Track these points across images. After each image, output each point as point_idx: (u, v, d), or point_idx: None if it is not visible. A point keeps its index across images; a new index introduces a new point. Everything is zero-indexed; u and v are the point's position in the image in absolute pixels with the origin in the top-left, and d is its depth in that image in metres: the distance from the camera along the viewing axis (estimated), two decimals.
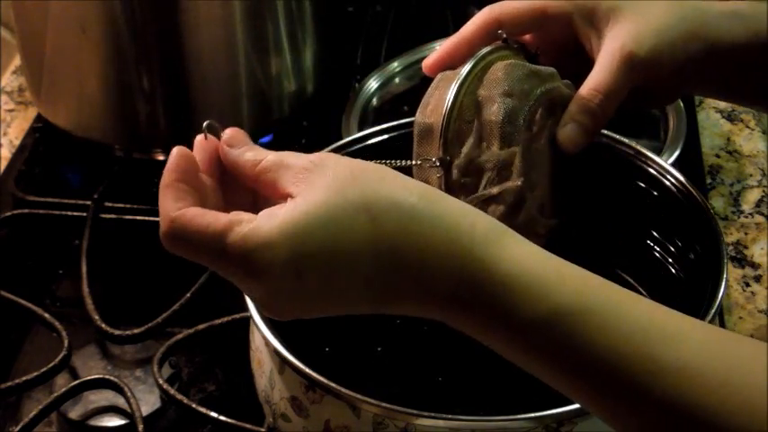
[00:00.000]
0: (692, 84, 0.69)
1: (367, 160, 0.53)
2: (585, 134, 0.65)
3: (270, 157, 0.53)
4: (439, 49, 0.68)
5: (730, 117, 1.04)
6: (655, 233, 0.73)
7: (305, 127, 1.02)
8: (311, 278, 0.49)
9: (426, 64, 0.68)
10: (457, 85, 0.63)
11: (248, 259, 0.49)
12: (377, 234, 0.49)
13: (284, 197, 0.51)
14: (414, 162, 0.64)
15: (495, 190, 0.62)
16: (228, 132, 0.55)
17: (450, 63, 0.67)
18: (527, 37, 0.69)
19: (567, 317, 0.48)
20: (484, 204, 0.62)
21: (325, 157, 0.52)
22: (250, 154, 0.54)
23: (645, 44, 0.64)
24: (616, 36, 0.65)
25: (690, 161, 0.94)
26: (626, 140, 0.73)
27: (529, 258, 0.50)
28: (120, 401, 0.77)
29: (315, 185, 0.50)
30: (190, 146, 0.55)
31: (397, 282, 0.50)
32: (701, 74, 0.67)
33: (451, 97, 0.63)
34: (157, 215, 0.53)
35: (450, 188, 0.62)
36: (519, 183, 0.62)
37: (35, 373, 0.78)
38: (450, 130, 0.62)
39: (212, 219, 0.50)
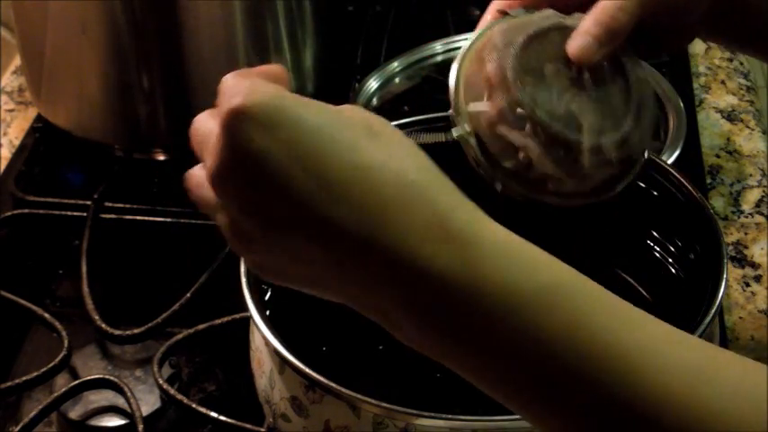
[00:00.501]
0: (705, 24, 0.69)
1: None
2: (597, 44, 0.63)
3: None
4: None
5: (730, 117, 1.04)
6: (655, 233, 0.73)
7: None
8: (282, 139, 0.45)
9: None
10: (459, 59, 0.65)
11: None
12: (371, 145, 0.46)
13: None
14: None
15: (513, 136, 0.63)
16: None
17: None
18: None
19: (559, 290, 0.46)
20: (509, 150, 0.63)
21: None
22: None
23: None
24: None
25: (690, 161, 0.94)
26: None
27: (512, 236, 0.47)
28: (120, 401, 0.77)
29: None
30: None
31: (367, 203, 0.45)
32: (714, 16, 0.68)
33: (455, 72, 0.65)
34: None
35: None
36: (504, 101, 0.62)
37: (35, 373, 0.78)
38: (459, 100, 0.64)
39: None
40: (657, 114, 0.64)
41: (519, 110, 0.62)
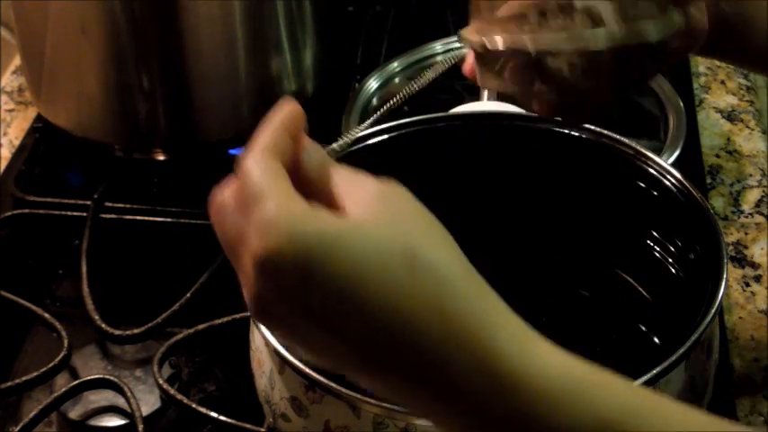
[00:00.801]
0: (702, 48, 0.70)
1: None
2: None
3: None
4: None
5: (730, 117, 1.04)
6: (655, 233, 0.73)
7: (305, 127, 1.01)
8: (316, 289, 0.44)
9: None
10: None
11: (274, 230, 0.45)
12: (409, 283, 0.45)
13: (333, 204, 0.48)
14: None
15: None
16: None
17: None
18: None
19: (624, 420, 0.44)
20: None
21: (394, 189, 0.49)
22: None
23: None
24: None
25: (690, 161, 0.94)
26: (626, 140, 0.73)
27: (566, 363, 0.46)
28: (120, 401, 0.77)
29: (368, 210, 0.47)
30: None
31: (405, 343, 0.45)
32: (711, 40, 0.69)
33: None
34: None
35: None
36: None
37: (35, 373, 0.78)
38: None
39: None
40: None
41: None
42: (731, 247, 0.90)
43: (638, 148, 0.73)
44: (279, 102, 0.51)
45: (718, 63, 1.11)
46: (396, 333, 0.44)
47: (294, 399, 0.61)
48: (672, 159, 0.90)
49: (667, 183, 0.71)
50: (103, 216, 0.92)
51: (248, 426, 0.72)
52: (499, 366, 0.44)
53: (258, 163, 0.48)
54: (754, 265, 0.88)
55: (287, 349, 0.60)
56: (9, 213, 0.93)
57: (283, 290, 0.45)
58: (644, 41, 0.64)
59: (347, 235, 0.45)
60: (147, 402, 0.77)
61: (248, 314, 0.64)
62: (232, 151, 0.99)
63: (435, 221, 0.48)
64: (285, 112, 0.51)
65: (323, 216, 0.46)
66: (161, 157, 0.98)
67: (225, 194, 0.49)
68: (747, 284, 0.87)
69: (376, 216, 0.46)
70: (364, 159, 0.75)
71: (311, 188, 0.49)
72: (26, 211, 0.93)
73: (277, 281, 0.45)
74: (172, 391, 0.75)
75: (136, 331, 0.81)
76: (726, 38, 0.70)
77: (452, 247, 0.47)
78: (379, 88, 1.02)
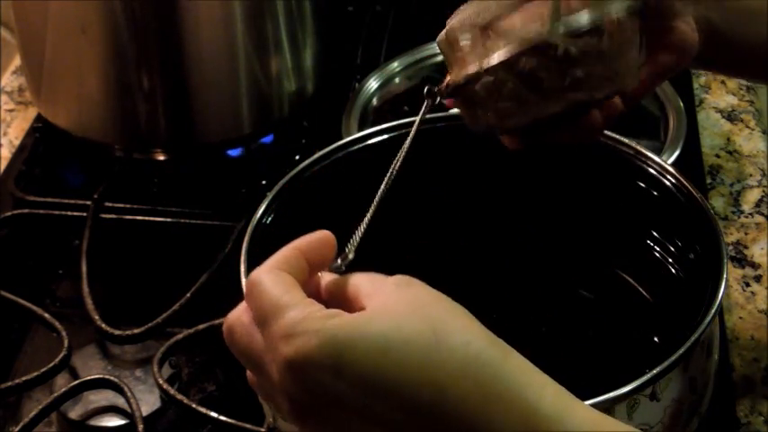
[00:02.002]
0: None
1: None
2: None
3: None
4: None
5: (730, 117, 1.04)
6: (655, 233, 0.73)
7: (305, 127, 1.02)
8: (348, 378, 0.45)
9: None
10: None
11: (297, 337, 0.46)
12: (438, 357, 0.46)
13: (355, 305, 0.49)
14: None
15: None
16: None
17: None
18: None
19: None
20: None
21: (410, 279, 0.50)
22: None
23: None
24: None
25: (690, 161, 0.94)
26: (626, 140, 0.73)
27: (602, 422, 0.47)
28: (120, 401, 0.77)
29: (389, 299, 0.48)
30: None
31: (445, 413, 0.45)
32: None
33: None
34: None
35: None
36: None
37: (35, 373, 0.78)
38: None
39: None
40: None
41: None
42: (731, 247, 0.90)
43: (638, 148, 0.73)
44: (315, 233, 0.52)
45: None
46: (433, 405, 0.45)
47: None
48: (672, 159, 0.90)
49: (667, 183, 0.71)
50: (103, 216, 0.92)
51: (248, 426, 0.72)
52: (543, 423, 0.46)
53: (268, 275, 0.49)
54: (754, 265, 0.88)
55: None
56: (9, 213, 0.93)
57: (318, 387, 0.45)
58: (573, 29, 0.63)
59: (371, 322, 0.46)
60: (147, 402, 0.77)
61: None
62: (232, 152, 0.99)
63: (455, 303, 0.48)
64: (310, 238, 0.51)
65: (345, 315, 0.47)
66: (161, 157, 0.98)
67: (236, 314, 0.50)
68: (747, 284, 0.87)
69: (396, 302, 0.47)
70: (364, 159, 0.75)
71: (330, 302, 0.50)
72: (26, 211, 0.93)
73: (311, 380, 0.45)
74: (172, 391, 0.75)
75: (136, 331, 0.81)
76: (720, 50, 0.70)
77: (476, 322, 0.48)
78: (379, 88, 1.02)
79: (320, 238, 0.52)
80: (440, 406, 0.45)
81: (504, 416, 0.45)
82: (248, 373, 0.51)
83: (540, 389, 0.47)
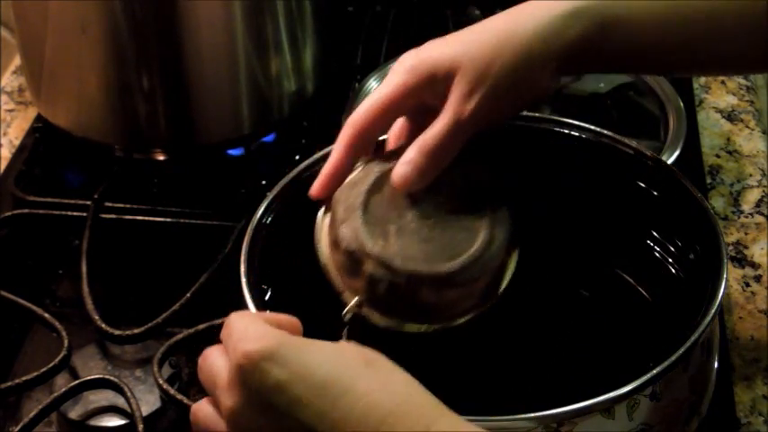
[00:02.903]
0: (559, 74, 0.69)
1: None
2: (418, 172, 0.65)
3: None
4: (320, 175, 0.68)
5: (730, 117, 1.04)
6: (655, 233, 0.73)
7: (305, 127, 1.02)
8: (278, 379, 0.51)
9: (312, 193, 0.68)
10: (318, 248, 0.66)
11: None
12: (364, 371, 0.52)
13: None
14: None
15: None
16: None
17: (336, 186, 0.67)
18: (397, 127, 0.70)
19: None
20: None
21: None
22: None
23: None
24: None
25: (690, 161, 0.94)
26: (626, 140, 0.73)
27: None
28: (120, 401, 0.77)
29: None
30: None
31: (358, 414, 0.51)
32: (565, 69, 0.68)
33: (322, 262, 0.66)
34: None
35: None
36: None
37: (35, 373, 0.78)
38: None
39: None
40: (512, 230, 0.65)
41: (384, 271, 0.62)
42: (731, 247, 0.90)
43: (638, 148, 0.73)
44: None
45: None
46: (359, 412, 0.51)
47: None
48: (672, 159, 0.90)
49: (667, 183, 0.71)
50: (103, 216, 0.92)
51: None
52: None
53: (240, 316, 0.56)
54: (754, 265, 0.88)
55: None
56: (9, 213, 0.93)
57: (265, 377, 0.52)
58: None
59: (314, 342, 0.53)
60: (147, 402, 0.77)
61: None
62: (232, 152, 0.99)
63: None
64: (280, 318, 0.57)
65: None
66: (161, 157, 0.98)
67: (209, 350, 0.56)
68: (747, 284, 0.87)
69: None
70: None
71: None
72: (26, 211, 0.93)
73: (257, 372, 0.52)
74: (172, 391, 0.75)
75: (136, 331, 0.81)
76: (578, 65, 0.69)
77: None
78: None
79: (290, 321, 0.57)
80: (356, 415, 0.51)
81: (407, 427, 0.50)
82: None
83: (445, 417, 0.51)
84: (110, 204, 0.93)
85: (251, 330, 0.53)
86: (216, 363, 0.55)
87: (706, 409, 0.65)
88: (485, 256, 0.64)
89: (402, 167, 0.65)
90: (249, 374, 0.51)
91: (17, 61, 1.14)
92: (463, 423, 0.51)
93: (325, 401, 0.51)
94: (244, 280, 0.65)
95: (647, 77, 0.99)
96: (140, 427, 0.74)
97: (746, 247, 0.90)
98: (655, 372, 0.58)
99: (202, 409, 0.56)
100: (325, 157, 0.73)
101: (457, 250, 0.63)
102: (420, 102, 0.67)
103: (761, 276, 0.87)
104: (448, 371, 0.70)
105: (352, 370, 0.52)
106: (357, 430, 0.50)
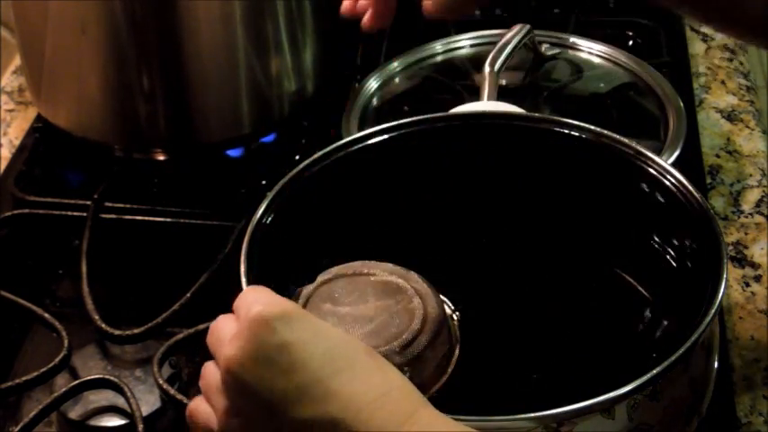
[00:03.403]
0: None
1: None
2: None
3: None
4: None
5: (730, 117, 1.04)
6: (655, 233, 0.73)
7: (305, 127, 1.02)
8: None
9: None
10: None
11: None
12: (370, 362, 0.54)
13: None
14: None
15: None
16: None
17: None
18: None
19: None
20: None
21: None
22: None
23: None
24: None
25: (690, 161, 0.94)
26: (626, 140, 0.73)
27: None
28: (120, 401, 0.77)
29: None
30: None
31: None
32: None
33: None
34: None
35: None
36: None
37: (35, 373, 0.78)
38: None
39: None
40: (443, 320, 0.64)
41: None
42: (731, 247, 0.90)
43: (638, 148, 0.73)
44: None
45: (718, 63, 1.11)
46: (347, 381, 0.53)
47: None
48: (672, 159, 0.90)
49: (667, 183, 0.71)
50: (103, 216, 0.92)
51: None
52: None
53: (254, 288, 0.58)
54: (754, 265, 0.88)
55: None
56: (9, 213, 0.93)
57: (271, 333, 0.53)
58: None
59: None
60: (147, 402, 0.77)
61: None
62: (232, 152, 0.99)
63: None
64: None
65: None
66: (161, 157, 0.98)
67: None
68: (747, 284, 0.87)
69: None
70: (364, 159, 0.75)
71: None
72: (26, 211, 0.93)
73: (264, 327, 0.53)
74: (172, 391, 0.75)
75: (136, 331, 0.81)
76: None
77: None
78: (379, 88, 1.02)
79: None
80: (359, 365, 0.54)
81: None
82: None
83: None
84: (110, 204, 0.93)
85: (265, 296, 0.55)
86: (226, 325, 0.56)
87: (706, 409, 0.65)
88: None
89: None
90: (258, 329, 0.53)
91: (17, 61, 1.14)
92: (445, 419, 0.54)
93: (324, 372, 0.52)
94: (244, 280, 0.65)
95: (647, 78, 0.99)
96: (140, 427, 0.74)
97: (746, 247, 0.90)
98: (655, 372, 0.58)
99: (198, 407, 0.56)
100: (325, 157, 0.73)
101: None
102: None
103: (761, 276, 0.87)
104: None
105: (355, 351, 0.54)
106: (346, 405, 0.52)
